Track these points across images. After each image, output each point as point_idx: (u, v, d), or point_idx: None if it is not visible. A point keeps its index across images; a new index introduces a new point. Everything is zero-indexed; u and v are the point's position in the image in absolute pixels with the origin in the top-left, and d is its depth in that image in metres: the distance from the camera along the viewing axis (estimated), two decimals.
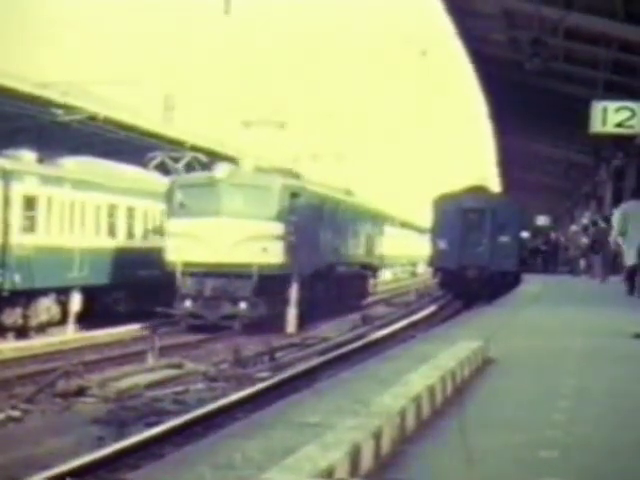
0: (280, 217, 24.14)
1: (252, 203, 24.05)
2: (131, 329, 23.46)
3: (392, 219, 71.06)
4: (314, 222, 26.59)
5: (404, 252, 71.21)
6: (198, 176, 26.15)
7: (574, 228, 44.29)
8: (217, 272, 23.57)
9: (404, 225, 76.50)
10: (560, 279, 31.38)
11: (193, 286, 23.76)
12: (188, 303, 23.74)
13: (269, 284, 23.57)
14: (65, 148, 28.93)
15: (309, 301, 25.50)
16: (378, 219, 39.13)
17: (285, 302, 24.05)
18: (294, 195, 24.90)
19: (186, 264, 23.58)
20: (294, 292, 24.06)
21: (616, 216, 16.38)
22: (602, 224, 27.31)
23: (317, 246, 26.83)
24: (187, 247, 23.64)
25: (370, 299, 36.22)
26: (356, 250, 32.67)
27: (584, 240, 36.96)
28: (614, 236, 17.16)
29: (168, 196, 25.04)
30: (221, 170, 24.71)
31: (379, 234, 38.04)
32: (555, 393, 7.32)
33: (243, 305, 23.50)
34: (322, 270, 26.99)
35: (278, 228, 24.02)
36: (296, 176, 27.29)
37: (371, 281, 36.17)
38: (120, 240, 26.43)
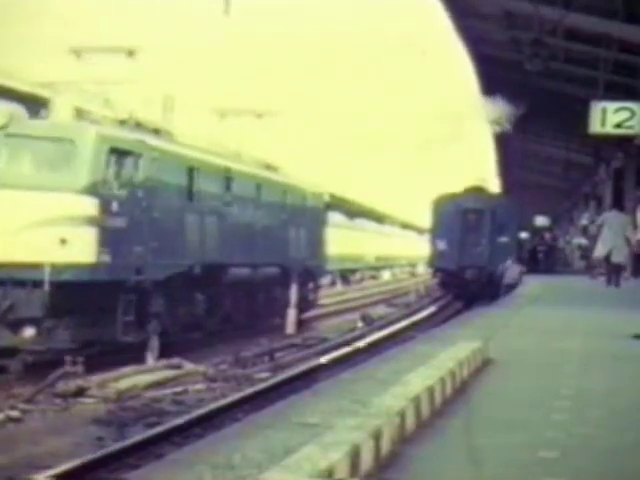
0: (93, 188, 14.81)
1: (45, 166, 15.06)
2: None
3: (392, 220, 71.26)
4: (172, 199, 17.28)
5: (403, 253, 71.51)
6: None
7: (547, 236, 44.81)
8: None
9: (405, 226, 76.76)
10: (559, 279, 31.38)
11: None
12: None
13: (76, 297, 14.50)
14: None
15: (175, 321, 17.62)
16: (318, 207, 27.18)
17: (113, 324, 15.45)
18: (123, 154, 15.61)
19: None
20: (293, 292, 23.56)
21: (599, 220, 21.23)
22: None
23: (180, 236, 17.60)
24: None
25: (372, 303, 36.00)
26: (276, 247, 22.86)
27: (581, 240, 37.01)
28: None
29: None
30: None
31: (320, 226, 27.13)
32: (555, 394, 7.32)
33: (29, 331, 14.42)
34: (194, 274, 18.00)
35: (88, 205, 14.72)
36: (156, 131, 17.71)
37: (311, 288, 26.16)
38: None
